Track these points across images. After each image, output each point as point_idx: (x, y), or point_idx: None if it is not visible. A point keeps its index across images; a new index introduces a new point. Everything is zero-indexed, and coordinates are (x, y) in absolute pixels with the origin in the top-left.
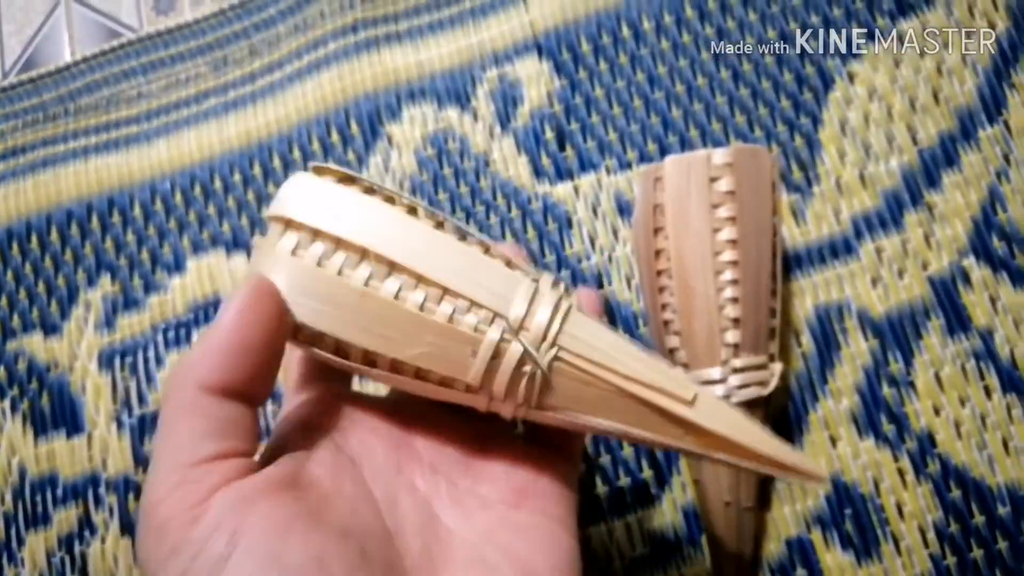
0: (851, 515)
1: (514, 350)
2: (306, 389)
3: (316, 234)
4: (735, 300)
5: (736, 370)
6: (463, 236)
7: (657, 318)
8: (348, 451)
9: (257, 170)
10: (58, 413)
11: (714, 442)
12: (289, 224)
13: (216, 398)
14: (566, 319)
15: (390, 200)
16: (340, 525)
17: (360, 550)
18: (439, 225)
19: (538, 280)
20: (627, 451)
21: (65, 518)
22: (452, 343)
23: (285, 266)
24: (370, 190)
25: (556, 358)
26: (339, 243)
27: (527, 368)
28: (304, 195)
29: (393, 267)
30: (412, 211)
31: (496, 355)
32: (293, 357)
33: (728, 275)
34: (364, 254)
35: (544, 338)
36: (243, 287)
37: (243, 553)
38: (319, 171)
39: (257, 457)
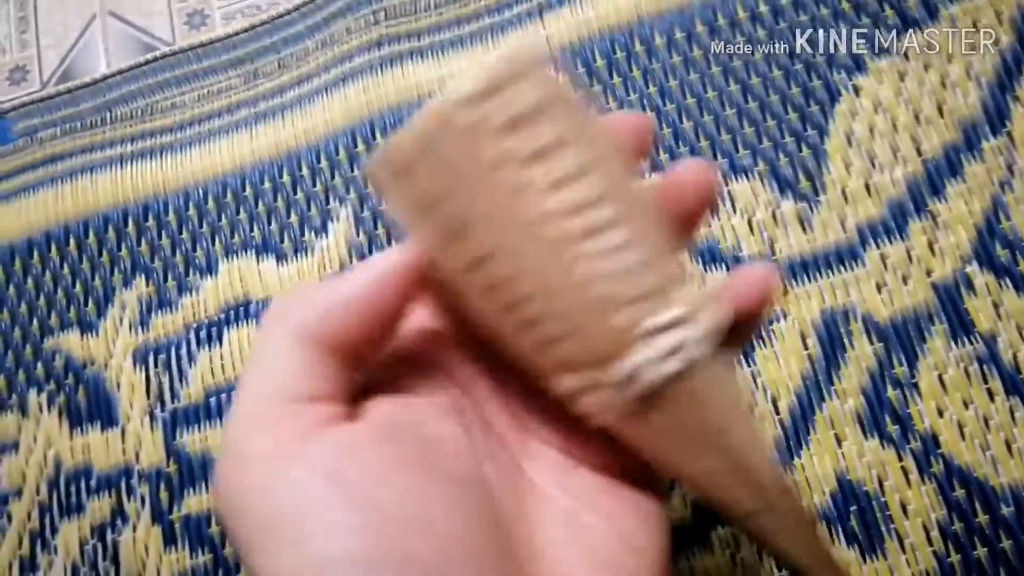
0: (856, 512)
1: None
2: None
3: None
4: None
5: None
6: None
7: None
8: (451, 393)
9: (286, 178)
10: (93, 408)
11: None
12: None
13: (316, 349)
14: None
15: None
16: (444, 472)
17: (463, 499)
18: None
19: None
20: None
21: (98, 508)
22: (609, 331)
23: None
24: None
25: (677, 378)
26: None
27: (653, 383)
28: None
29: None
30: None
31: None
32: None
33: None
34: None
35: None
36: (389, 256)
37: (341, 498)
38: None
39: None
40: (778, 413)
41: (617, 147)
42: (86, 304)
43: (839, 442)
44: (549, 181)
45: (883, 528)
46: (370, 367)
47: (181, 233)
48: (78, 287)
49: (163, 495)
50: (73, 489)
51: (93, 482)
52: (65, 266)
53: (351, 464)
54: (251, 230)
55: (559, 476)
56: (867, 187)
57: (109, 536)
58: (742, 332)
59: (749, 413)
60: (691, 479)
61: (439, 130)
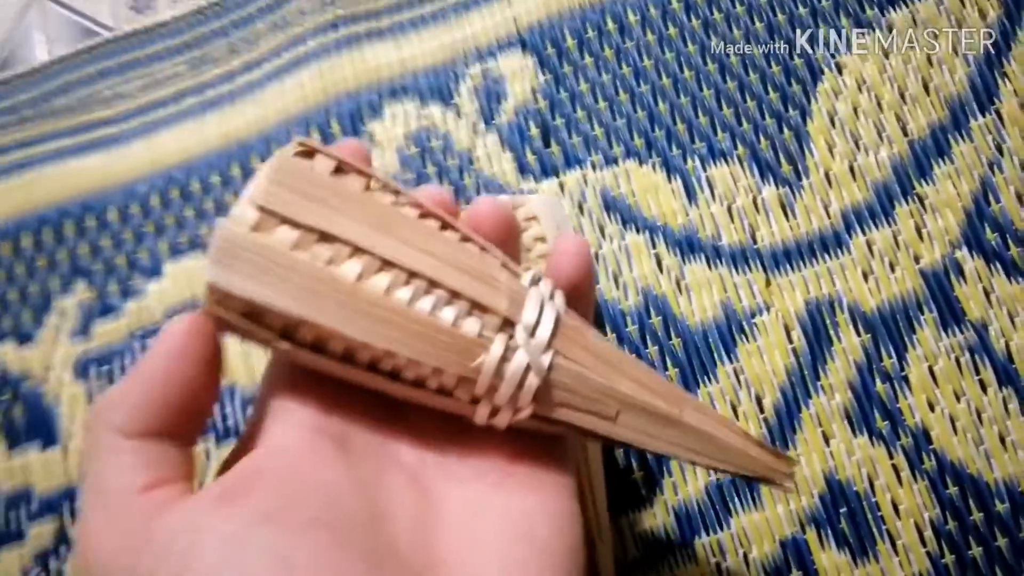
0: (846, 514)
1: (519, 360)
2: (283, 365)
3: (301, 227)
4: None
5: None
6: (445, 225)
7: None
8: (330, 431)
9: (236, 171)
10: (32, 425)
11: (701, 445)
12: (263, 211)
13: (138, 440)
14: (560, 322)
15: (374, 185)
16: (309, 519)
17: (334, 541)
18: (424, 215)
19: (538, 281)
20: (617, 454)
21: (40, 534)
22: (457, 348)
23: (262, 257)
24: (360, 174)
25: (552, 366)
26: (326, 237)
27: (531, 378)
28: (284, 181)
29: (387, 264)
30: (392, 192)
31: (501, 364)
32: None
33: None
34: (356, 250)
35: (548, 346)
36: (174, 326)
37: (198, 571)
38: (307, 153)
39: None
40: (762, 411)
41: (412, 201)
42: (22, 312)
43: (827, 440)
44: (344, 258)
45: (874, 529)
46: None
47: (124, 233)
48: (13, 293)
49: None
50: (12, 515)
51: (34, 506)
52: None
53: (204, 537)
54: (199, 228)
55: (460, 482)
56: (851, 170)
57: (53, 564)
58: (580, 303)
59: (626, 355)
60: (599, 435)
61: (234, 253)
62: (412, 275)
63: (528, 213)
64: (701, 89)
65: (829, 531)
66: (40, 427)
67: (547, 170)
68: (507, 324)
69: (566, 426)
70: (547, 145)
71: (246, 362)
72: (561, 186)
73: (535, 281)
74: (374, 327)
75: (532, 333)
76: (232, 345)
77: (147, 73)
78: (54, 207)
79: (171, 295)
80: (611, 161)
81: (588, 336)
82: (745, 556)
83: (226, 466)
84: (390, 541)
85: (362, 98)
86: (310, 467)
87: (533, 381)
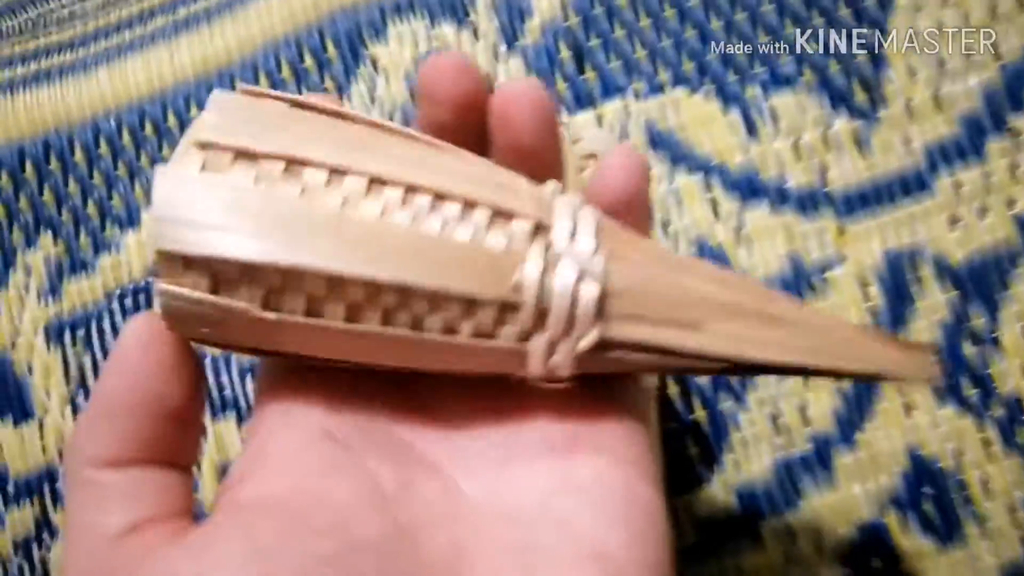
0: (930, 494)
1: (566, 268)
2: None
3: (261, 157)
4: None
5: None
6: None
7: None
8: (342, 435)
9: None
10: (2, 397)
11: (818, 341)
12: (211, 147)
13: (111, 470)
14: (602, 227)
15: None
16: (321, 551)
17: (351, 573)
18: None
19: (548, 223)
20: (669, 424)
21: (19, 519)
22: (485, 267)
23: (223, 194)
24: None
25: (608, 271)
26: (294, 162)
27: (587, 287)
28: (231, 113)
29: (376, 182)
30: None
31: (544, 278)
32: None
33: None
34: (334, 172)
35: (596, 249)
36: (128, 334)
37: None
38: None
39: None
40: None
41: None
42: None
43: (909, 412)
44: (322, 186)
45: (961, 511)
46: (189, 454)
47: (92, 176)
48: None
49: None
50: None
51: (10, 488)
52: None
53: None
54: None
55: (504, 481)
56: (936, 99)
57: (36, 552)
58: (637, 218)
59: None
60: (681, 352)
61: (185, 204)
62: (410, 190)
63: (584, 150)
64: (761, 3)
65: (912, 513)
66: (11, 400)
67: (581, 100)
68: (539, 232)
69: (643, 350)
70: (581, 71)
71: None
72: (599, 119)
73: (559, 193)
74: (378, 259)
75: (572, 236)
76: None
77: None
78: (10, 147)
79: (151, 248)
80: (657, 89)
81: (642, 241)
82: (817, 543)
83: (225, 485)
84: (419, 564)
85: (361, 15)
86: (321, 488)
87: (591, 290)
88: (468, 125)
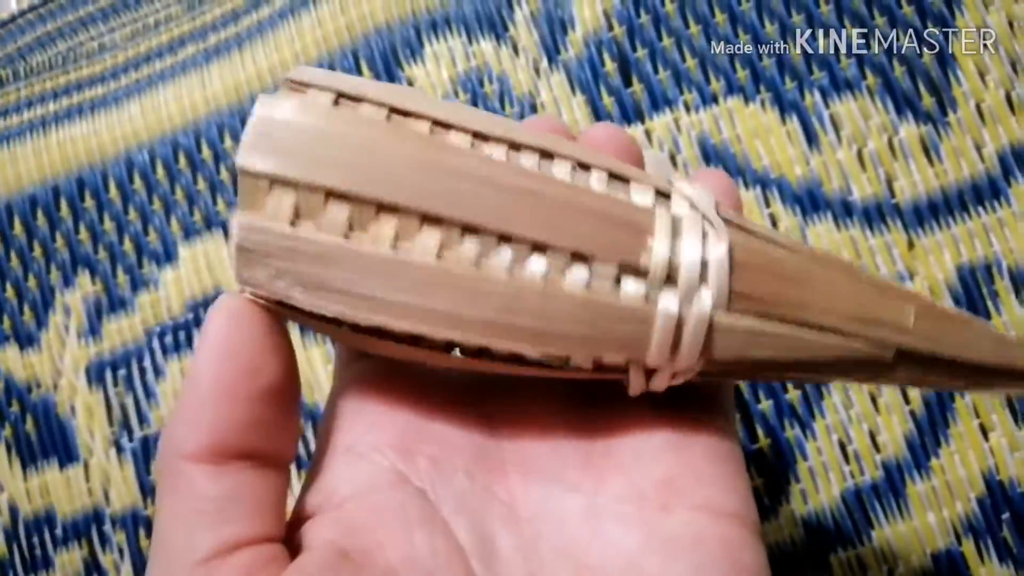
0: (1009, 520)
1: (666, 307)
2: (348, 382)
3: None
4: None
5: None
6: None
7: None
8: (416, 479)
9: None
10: (46, 440)
11: (937, 371)
12: (278, 183)
13: (207, 468)
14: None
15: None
16: None
17: None
18: (514, 147)
19: (668, 191)
20: None
21: (68, 561)
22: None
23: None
24: (393, 111)
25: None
26: (396, 111)
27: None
28: (299, 140)
29: (480, 136)
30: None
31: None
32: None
33: None
34: (436, 123)
35: (701, 279)
36: (210, 313)
37: None
38: (299, 87)
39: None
40: (908, 402)
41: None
42: (21, 312)
43: (985, 434)
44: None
45: None
46: (284, 459)
47: (127, 212)
48: (9, 290)
49: (143, 543)
50: (36, 540)
51: (58, 531)
52: None
53: None
54: (214, 202)
55: (596, 538)
56: (1009, 100)
57: None
58: None
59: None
60: (805, 351)
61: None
62: (513, 147)
63: None
64: (818, 3)
65: (989, 541)
66: (55, 443)
67: (629, 114)
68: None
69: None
70: (627, 83)
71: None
72: (647, 134)
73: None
74: (464, 310)
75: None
76: None
77: (136, 17)
78: (44, 186)
79: (189, 283)
80: (709, 100)
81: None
82: (890, 573)
83: (296, 521)
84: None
85: (396, 35)
86: (405, 534)
87: (719, 249)
88: None
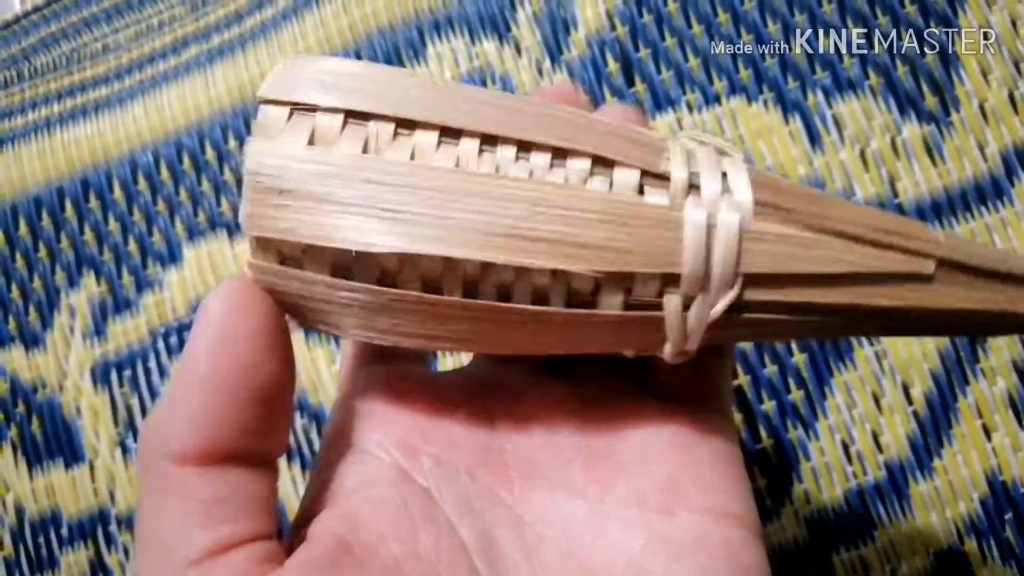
0: (1011, 520)
1: (694, 212)
2: (358, 386)
3: (365, 117)
4: None
5: None
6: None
7: None
8: (421, 479)
9: None
10: (52, 440)
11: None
12: (299, 108)
13: (198, 469)
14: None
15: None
16: None
17: None
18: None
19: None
20: None
21: (74, 561)
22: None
23: (337, 173)
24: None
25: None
26: (403, 123)
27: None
28: (320, 75)
29: (491, 139)
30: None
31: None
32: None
33: None
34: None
35: (724, 192)
36: (209, 301)
37: None
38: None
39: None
40: (911, 403)
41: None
42: (27, 312)
43: (988, 435)
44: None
45: None
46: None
47: (132, 213)
48: (14, 291)
49: None
50: (41, 540)
51: (64, 531)
52: None
53: None
54: (218, 203)
55: (600, 543)
56: (1012, 100)
57: None
58: None
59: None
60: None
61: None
62: (536, 146)
63: None
64: (820, 3)
65: (992, 541)
66: (60, 443)
67: None
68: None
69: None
70: (630, 83)
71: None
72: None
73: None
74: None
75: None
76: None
77: (140, 18)
78: (49, 186)
79: (193, 284)
80: (712, 100)
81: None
82: (893, 573)
83: (301, 518)
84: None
85: (399, 35)
86: (410, 540)
87: (732, 219)
88: None
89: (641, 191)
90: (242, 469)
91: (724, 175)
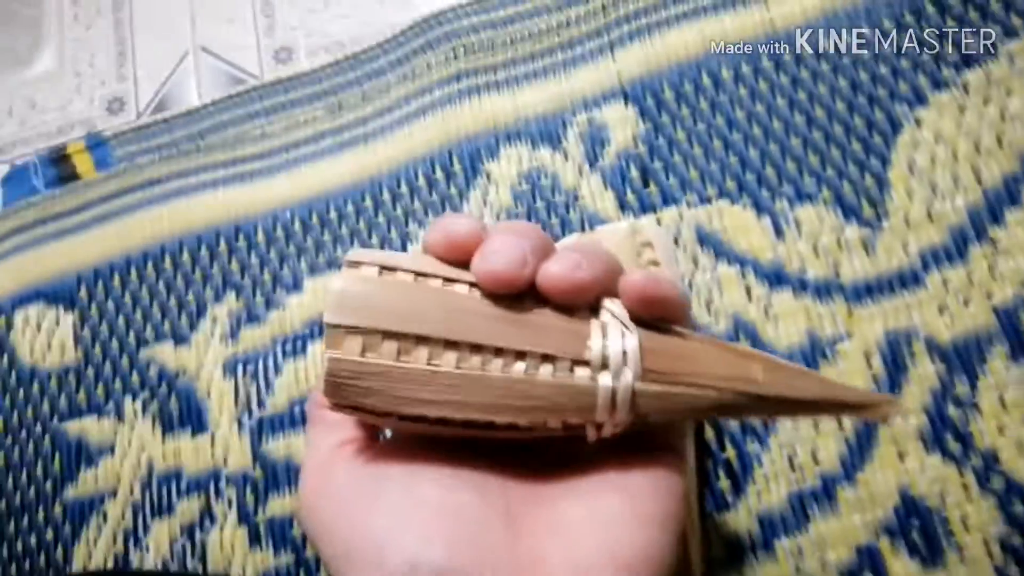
0: (918, 526)
1: (605, 383)
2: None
3: (387, 336)
4: None
5: None
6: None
7: None
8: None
9: (368, 202)
10: (184, 415)
11: (784, 407)
12: (350, 330)
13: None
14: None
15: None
16: (435, 466)
17: (455, 476)
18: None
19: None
20: (705, 461)
21: (188, 509)
22: (564, 398)
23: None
24: (417, 274)
25: (648, 376)
26: (421, 340)
27: (620, 397)
28: (357, 300)
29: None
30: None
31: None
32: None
33: None
34: (451, 345)
35: (624, 363)
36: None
37: (347, 501)
38: (355, 264)
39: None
40: (842, 429)
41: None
42: (180, 318)
43: (902, 458)
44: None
45: (944, 541)
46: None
47: (269, 252)
48: (172, 301)
49: (249, 498)
50: (164, 491)
51: (183, 484)
52: (161, 282)
53: (353, 471)
54: (335, 250)
55: (553, 533)
56: (929, 214)
57: (198, 535)
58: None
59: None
60: (695, 406)
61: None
62: (498, 353)
63: (644, 239)
64: (789, 138)
65: (902, 541)
66: (191, 417)
67: (645, 207)
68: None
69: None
70: (646, 185)
71: None
72: (658, 221)
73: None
74: (479, 399)
75: (623, 361)
76: None
77: (289, 116)
78: (209, 229)
79: (309, 308)
80: (705, 200)
81: (666, 342)
82: (822, 560)
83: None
84: (500, 482)
85: (480, 141)
86: (430, 450)
87: (632, 346)
88: None
89: (572, 370)
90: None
91: (624, 353)
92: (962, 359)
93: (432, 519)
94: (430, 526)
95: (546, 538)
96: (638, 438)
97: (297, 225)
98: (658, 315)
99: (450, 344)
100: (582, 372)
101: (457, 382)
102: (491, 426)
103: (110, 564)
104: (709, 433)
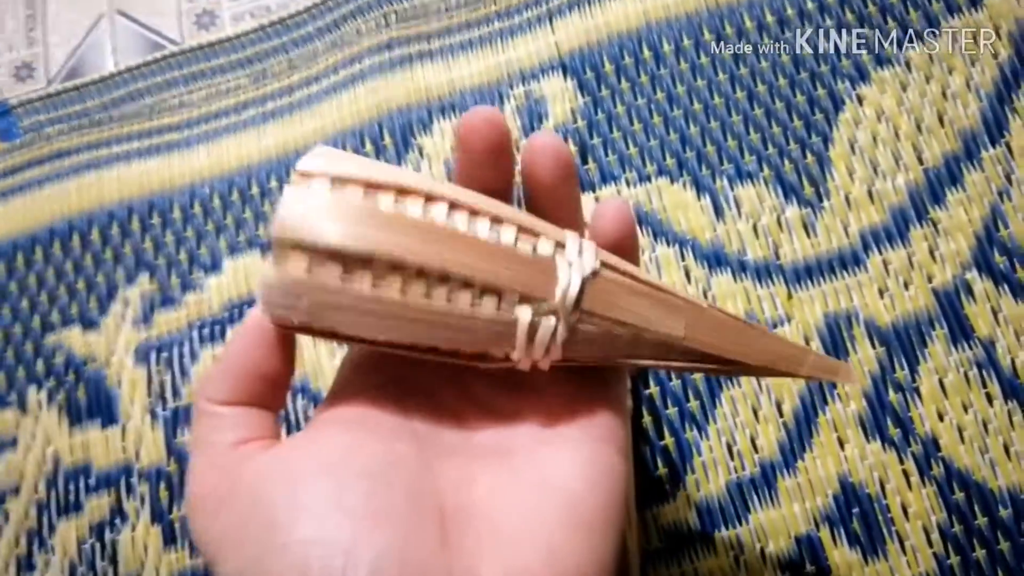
0: (858, 514)
1: (546, 325)
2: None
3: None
4: None
5: None
6: (497, 219)
7: None
8: (389, 392)
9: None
10: (94, 405)
11: (723, 364)
12: (296, 247)
13: (227, 407)
14: (588, 284)
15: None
16: (361, 468)
17: (381, 485)
18: (473, 214)
19: (563, 244)
20: (643, 448)
21: (97, 506)
22: (492, 328)
23: (307, 288)
24: (368, 186)
25: (582, 320)
26: (369, 262)
27: (559, 335)
28: (316, 213)
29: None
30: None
31: (531, 330)
32: None
33: None
34: (398, 267)
35: (576, 305)
36: (246, 317)
37: (267, 504)
38: (306, 175)
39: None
40: (782, 416)
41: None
42: (88, 300)
43: (842, 445)
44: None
45: (884, 530)
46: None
47: (186, 231)
48: (81, 283)
49: (163, 494)
50: (72, 487)
51: (92, 480)
52: (68, 262)
53: (271, 479)
54: (257, 228)
55: (500, 459)
56: (870, 194)
57: (108, 535)
58: (626, 255)
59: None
60: (631, 348)
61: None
62: (473, 213)
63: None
64: (730, 115)
65: (842, 530)
66: (101, 408)
67: (584, 185)
68: (559, 248)
69: (614, 323)
70: (584, 162)
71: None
72: (596, 200)
73: (561, 245)
74: (421, 330)
75: (580, 254)
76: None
77: (211, 84)
78: (121, 205)
79: (229, 289)
80: (644, 179)
81: (620, 293)
82: (762, 551)
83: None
84: (434, 490)
85: (413, 114)
86: (370, 416)
87: (577, 280)
88: (497, 171)
89: (513, 305)
90: (254, 409)
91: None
92: (902, 343)
93: (359, 531)
94: (357, 541)
95: (481, 547)
96: (578, 393)
97: (216, 201)
98: (627, 245)
99: (396, 267)
100: (523, 310)
101: (401, 311)
102: (435, 351)
103: (12, 568)
104: (646, 419)
